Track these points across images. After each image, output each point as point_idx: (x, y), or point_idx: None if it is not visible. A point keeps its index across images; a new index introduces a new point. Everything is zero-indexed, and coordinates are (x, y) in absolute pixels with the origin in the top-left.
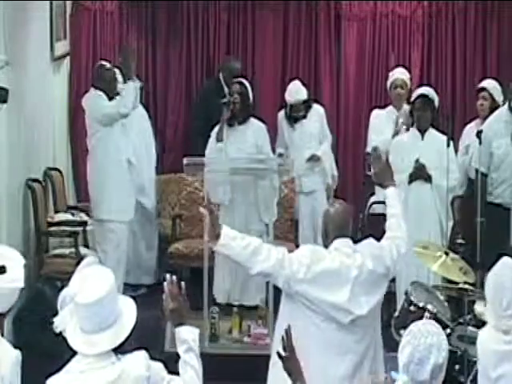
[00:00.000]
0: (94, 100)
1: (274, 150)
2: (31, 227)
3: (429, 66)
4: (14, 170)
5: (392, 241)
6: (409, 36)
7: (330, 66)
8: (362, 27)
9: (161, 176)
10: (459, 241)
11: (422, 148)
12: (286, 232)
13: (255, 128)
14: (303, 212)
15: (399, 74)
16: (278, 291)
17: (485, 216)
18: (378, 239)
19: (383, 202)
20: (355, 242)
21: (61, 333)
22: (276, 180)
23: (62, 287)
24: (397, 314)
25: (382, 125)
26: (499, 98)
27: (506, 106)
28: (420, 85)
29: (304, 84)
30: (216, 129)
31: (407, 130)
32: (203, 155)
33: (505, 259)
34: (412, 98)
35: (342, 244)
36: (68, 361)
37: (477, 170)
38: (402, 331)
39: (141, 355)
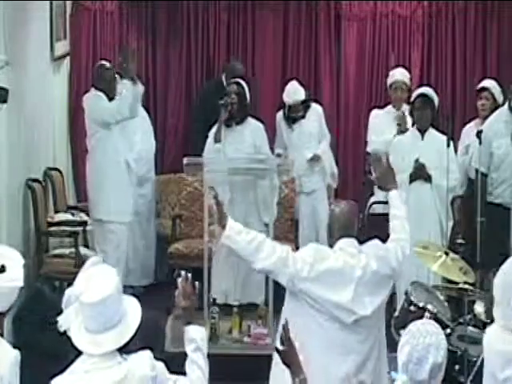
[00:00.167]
0: (93, 101)
1: (272, 151)
2: (31, 227)
3: (429, 66)
4: (13, 170)
5: (397, 242)
6: (409, 36)
7: (330, 66)
8: (362, 27)
9: (160, 176)
10: (459, 241)
11: (422, 148)
12: (286, 232)
13: (253, 128)
14: (303, 212)
15: (399, 74)
16: (278, 291)
17: (485, 216)
18: (379, 239)
19: (383, 202)
20: (358, 242)
21: (62, 332)
22: (276, 180)
23: (61, 287)
24: (397, 313)
25: (381, 125)
26: (499, 98)
27: (506, 106)
28: (420, 85)
29: (304, 84)
30: (214, 129)
31: (404, 131)
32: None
33: None
34: (412, 98)
35: (347, 244)
36: (72, 361)
37: (477, 170)
38: (401, 331)
39: (146, 355)
